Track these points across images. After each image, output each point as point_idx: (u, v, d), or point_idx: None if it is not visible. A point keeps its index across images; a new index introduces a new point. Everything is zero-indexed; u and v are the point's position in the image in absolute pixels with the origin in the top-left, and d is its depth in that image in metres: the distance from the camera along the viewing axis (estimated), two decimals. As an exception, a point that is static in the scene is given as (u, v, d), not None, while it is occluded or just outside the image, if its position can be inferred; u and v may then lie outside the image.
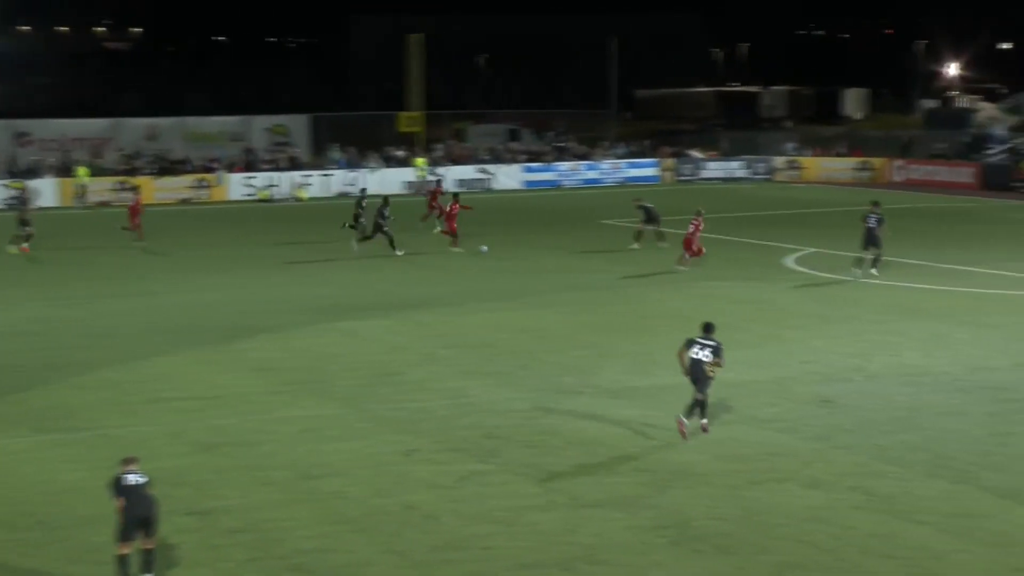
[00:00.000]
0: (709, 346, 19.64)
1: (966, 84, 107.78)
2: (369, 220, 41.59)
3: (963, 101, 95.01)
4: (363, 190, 47.59)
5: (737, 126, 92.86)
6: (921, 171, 68.19)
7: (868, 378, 23.43)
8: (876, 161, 70.29)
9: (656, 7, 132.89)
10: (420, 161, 63.65)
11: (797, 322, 28.69)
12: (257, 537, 15.75)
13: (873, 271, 34.87)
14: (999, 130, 70.61)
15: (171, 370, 24.61)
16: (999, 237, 44.32)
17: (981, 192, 62.61)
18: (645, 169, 68.09)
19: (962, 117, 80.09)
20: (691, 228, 36.60)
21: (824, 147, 74.35)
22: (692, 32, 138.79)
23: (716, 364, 19.56)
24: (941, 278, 34.96)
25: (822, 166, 70.81)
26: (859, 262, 35.12)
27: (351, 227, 42.45)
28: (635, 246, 40.74)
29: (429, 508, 16.68)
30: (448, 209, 42.51)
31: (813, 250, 40.82)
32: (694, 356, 19.65)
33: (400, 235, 41.06)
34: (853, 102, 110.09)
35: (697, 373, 19.63)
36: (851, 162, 70.73)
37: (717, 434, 19.81)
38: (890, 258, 37.65)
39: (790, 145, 73.41)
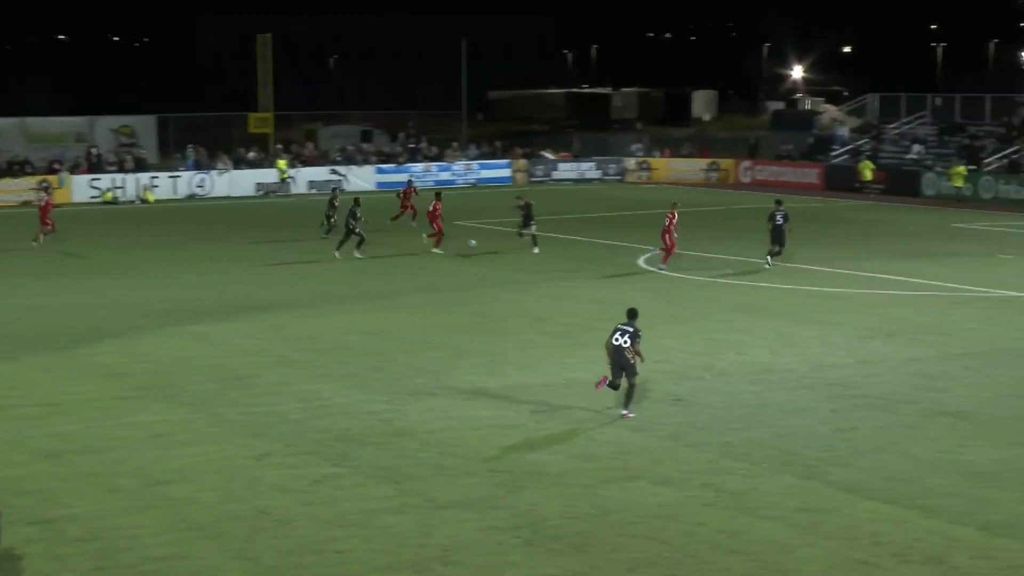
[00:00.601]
0: (627, 332, 20.47)
1: (810, 87, 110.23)
2: (341, 220, 41.07)
3: (807, 103, 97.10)
4: (334, 189, 47.15)
5: (589, 127, 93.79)
6: (768, 172, 69.58)
7: (717, 376, 23.83)
8: (725, 162, 71.52)
9: (509, 9, 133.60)
10: (282, 163, 63.02)
11: (648, 322, 28.89)
12: (103, 546, 15.45)
13: (769, 260, 37.38)
14: (842, 132, 72.30)
15: (10, 376, 24.01)
16: (843, 237, 45.44)
17: (825, 192, 64.12)
18: (497, 170, 68.33)
19: (807, 119, 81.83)
20: (666, 222, 37.18)
21: (674, 148, 75.41)
22: (544, 34, 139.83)
23: (633, 350, 20.29)
24: (787, 277, 35.71)
25: (672, 167, 71.83)
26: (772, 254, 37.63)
27: (327, 232, 41.13)
28: (536, 250, 40.55)
29: (282, 512, 16.53)
30: (431, 209, 41.87)
31: (663, 250, 41.26)
32: (615, 343, 20.48)
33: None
34: (702, 104, 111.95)
35: (620, 360, 20.44)
36: (700, 163, 71.87)
37: (570, 434, 19.97)
38: (737, 258, 38.39)
39: (636, 146, 74.27)
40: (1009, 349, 26.06)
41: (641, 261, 38.94)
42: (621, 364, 20.55)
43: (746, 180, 69.67)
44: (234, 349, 26.44)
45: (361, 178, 64.89)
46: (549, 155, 72.10)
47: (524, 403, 21.80)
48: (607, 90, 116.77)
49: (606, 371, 20.91)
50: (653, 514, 16.37)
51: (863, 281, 35.04)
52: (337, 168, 64.88)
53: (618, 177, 70.58)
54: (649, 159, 72.40)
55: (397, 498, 17.09)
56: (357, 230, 39.67)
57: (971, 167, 60.90)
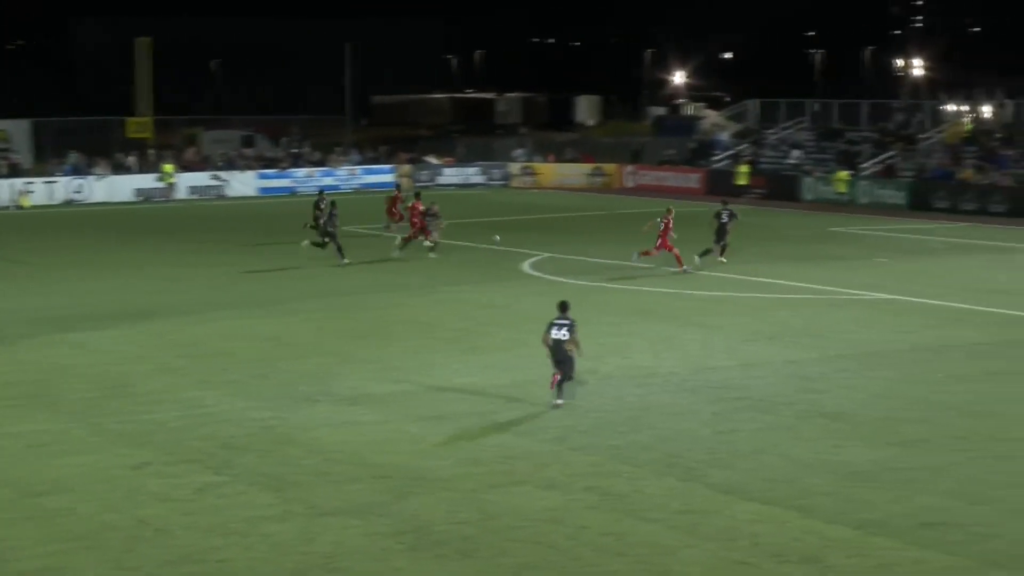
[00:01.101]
0: (564, 325, 21.25)
1: (692, 92, 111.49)
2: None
3: (689, 109, 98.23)
4: (321, 191, 46.65)
5: (473, 132, 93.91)
6: (651, 177, 70.28)
7: (602, 380, 24.02)
8: (608, 167, 72.08)
9: (393, 13, 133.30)
10: (168, 167, 62.21)
11: (536, 326, 29.02)
12: (-21, 559, 15.15)
13: (698, 259, 38.29)
14: (723, 137, 73.28)
15: None
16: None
17: (707, 197, 64.91)
18: (382, 175, 68.17)
19: (689, 124, 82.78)
20: (662, 226, 37.78)
21: (558, 153, 75.82)
22: (429, 39, 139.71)
23: (572, 343, 21.11)
24: (671, 282, 36.10)
25: (556, 172, 72.23)
26: (707, 252, 38.87)
27: (317, 236, 39.88)
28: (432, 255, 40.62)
29: (162, 522, 16.34)
30: (410, 205, 42.10)
31: (548, 255, 41.59)
32: (554, 337, 21.29)
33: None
34: (585, 109, 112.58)
35: (559, 354, 21.24)
36: (585, 168, 72.34)
37: (456, 439, 20.01)
38: (622, 263, 38.72)
39: (518, 151, 74.56)
40: (883, 351, 26.63)
41: (527, 266, 39.07)
42: (560, 358, 21.32)
43: (630, 185, 70.28)
44: (115, 357, 26.07)
45: (243, 184, 64.34)
46: (434, 160, 72.10)
47: (410, 409, 21.79)
48: (492, 95, 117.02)
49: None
50: (539, 518, 16.47)
51: (745, 285, 35.56)
52: (219, 174, 64.24)
53: (503, 182, 70.80)
54: (533, 164, 72.71)
55: (280, 505, 16.98)
56: (336, 234, 39.01)
57: (849, 172, 62.10)
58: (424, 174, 69.46)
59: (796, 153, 68.23)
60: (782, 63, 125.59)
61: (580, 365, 25.14)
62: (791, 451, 19.24)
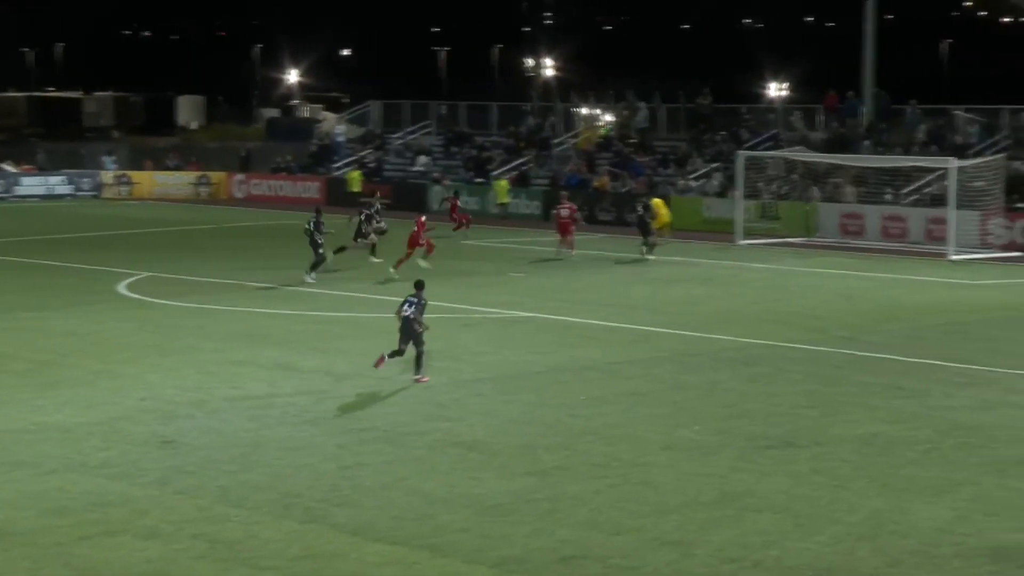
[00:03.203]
0: (414, 303, 25.13)
1: (308, 93, 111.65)
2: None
3: (305, 111, 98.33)
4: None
5: (57, 136, 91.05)
6: (264, 186, 69.99)
7: (210, 413, 23.62)
8: (215, 175, 71.36)
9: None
10: None
11: (131, 355, 28.48)
12: None
13: (647, 253, 45.48)
14: (342, 140, 73.64)
15: None
16: (347, 256, 46.10)
17: (328, 207, 64.99)
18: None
19: (305, 128, 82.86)
20: (565, 213, 45.59)
21: (158, 160, 74.44)
22: (1, 30, 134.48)
23: (419, 321, 25.02)
24: (286, 302, 35.93)
25: (156, 181, 70.95)
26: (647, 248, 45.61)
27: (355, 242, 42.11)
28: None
29: None
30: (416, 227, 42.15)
31: (148, 274, 40.71)
32: (404, 313, 25.06)
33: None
34: (188, 111, 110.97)
35: (407, 329, 25.10)
36: (188, 176, 71.37)
37: (39, 487, 19.23)
38: (230, 281, 38.30)
39: (108, 158, 72.75)
40: (520, 372, 27.27)
41: (122, 288, 38.10)
42: (408, 333, 25.09)
43: (240, 195, 69.73)
44: None
45: None
46: (10, 167, 69.45)
47: (-18, 454, 20.80)
48: (78, 94, 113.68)
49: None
50: (139, 572, 16.00)
51: (369, 304, 35.73)
52: None
53: (94, 193, 68.96)
54: (129, 172, 71.14)
55: None
56: (322, 245, 39.74)
57: (478, 180, 63.52)
58: (-2, 184, 66.81)
59: (423, 159, 69.29)
60: (405, 61, 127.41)
61: (185, 397, 24.72)
62: (423, 485, 19.40)
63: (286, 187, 69.32)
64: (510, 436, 22.27)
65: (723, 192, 57.32)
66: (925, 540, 16.89)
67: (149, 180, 70.97)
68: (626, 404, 24.65)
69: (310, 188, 68.45)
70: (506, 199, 60.67)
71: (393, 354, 25.43)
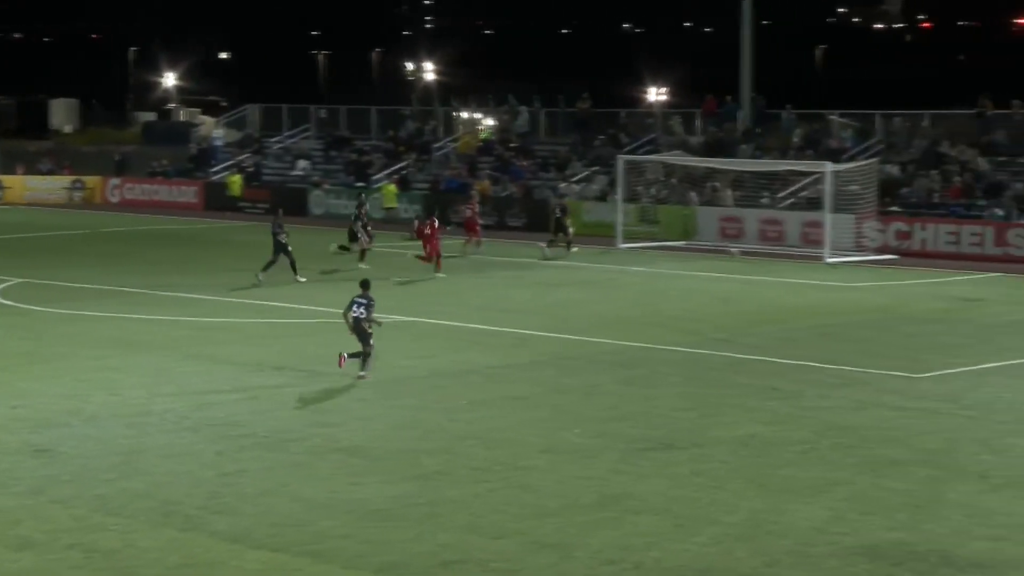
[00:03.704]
0: (363, 304, 25.96)
1: (185, 96, 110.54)
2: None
3: (182, 114, 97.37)
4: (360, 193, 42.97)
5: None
6: (140, 190, 69.23)
7: (86, 421, 23.34)
8: (90, 180, 70.46)
9: None
10: None
11: (3, 362, 28.07)
12: None
13: (564, 249, 48.33)
14: (220, 144, 73.06)
15: None
16: (224, 262, 45.82)
17: (206, 213, 64.51)
18: None
19: (182, 132, 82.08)
20: (468, 212, 48.46)
21: (30, 164, 73.33)
22: None
23: (371, 320, 25.90)
24: (164, 308, 35.58)
25: (28, 185, 69.87)
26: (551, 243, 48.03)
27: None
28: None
29: None
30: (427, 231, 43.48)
31: (20, 280, 40.12)
32: (354, 314, 25.84)
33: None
34: (62, 114, 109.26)
35: (359, 330, 25.92)
36: (62, 181, 70.39)
37: (-90, 498, 18.90)
38: (105, 287, 37.85)
39: None
40: (403, 377, 27.26)
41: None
42: (359, 333, 25.88)
43: (115, 200, 68.92)
44: None
45: None
46: None
47: None
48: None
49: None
50: (12, 584, 15.79)
51: (251, 310, 35.52)
52: None
53: (-36, 198, 67.68)
54: (1, 177, 69.95)
55: None
56: (289, 249, 39.85)
57: (359, 184, 63.37)
58: None
59: (302, 164, 68.98)
60: (284, 64, 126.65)
61: (59, 405, 24.43)
62: (303, 491, 19.34)
63: (162, 191, 68.62)
64: (391, 441, 22.27)
65: (603, 196, 57.70)
66: (802, 540, 17.17)
67: (21, 184, 69.90)
68: (507, 408, 24.76)
69: (187, 192, 67.81)
70: (394, 203, 60.49)
71: (354, 355, 26.16)
